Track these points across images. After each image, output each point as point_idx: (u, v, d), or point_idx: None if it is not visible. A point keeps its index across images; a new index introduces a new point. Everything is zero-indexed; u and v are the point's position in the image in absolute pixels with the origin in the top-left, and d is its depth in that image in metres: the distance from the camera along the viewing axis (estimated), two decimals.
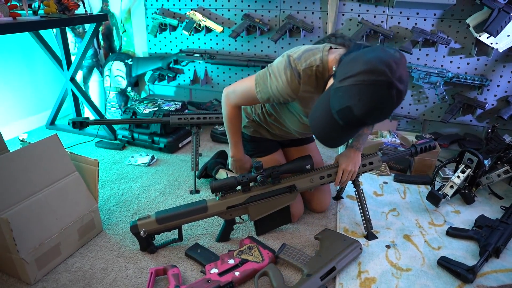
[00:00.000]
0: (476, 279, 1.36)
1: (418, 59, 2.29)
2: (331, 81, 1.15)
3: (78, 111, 2.65)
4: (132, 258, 1.46)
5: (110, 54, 2.93)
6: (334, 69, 1.15)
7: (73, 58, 2.57)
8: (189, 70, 2.82)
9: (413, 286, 1.34)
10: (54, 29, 2.60)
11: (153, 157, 2.24)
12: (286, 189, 1.53)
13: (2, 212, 1.23)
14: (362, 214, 1.61)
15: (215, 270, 1.33)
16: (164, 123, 1.98)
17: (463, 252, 1.51)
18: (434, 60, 2.26)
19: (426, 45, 2.21)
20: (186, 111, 2.50)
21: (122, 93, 2.84)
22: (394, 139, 2.30)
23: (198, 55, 2.60)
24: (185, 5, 2.65)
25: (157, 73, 2.75)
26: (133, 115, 2.34)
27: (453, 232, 1.60)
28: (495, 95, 2.23)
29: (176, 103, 2.44)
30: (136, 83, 2.99)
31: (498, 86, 2.20)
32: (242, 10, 2.53)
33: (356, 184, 1.63)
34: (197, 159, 1.92)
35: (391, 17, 2.25)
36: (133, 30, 2.88)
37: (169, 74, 2.69)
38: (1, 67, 2.46)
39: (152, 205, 1.81)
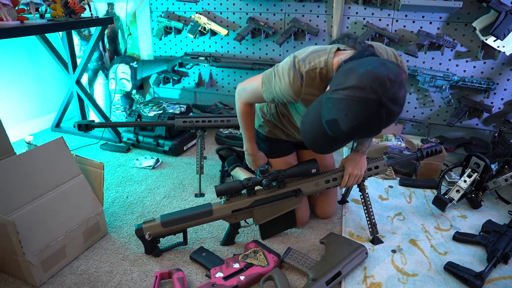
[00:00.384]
0: (484, 286, 1.35)
1: (423, 62, 2.28)
2: (328, 88, 1.13)
3: (83, 114, 2.66)
4: (137, 261, 1.45)
5: (115, 57, 2.94)
6: (333, 74, 1.14)
7: (78, 61, 2.58)
8: (194, 73, 2.82)
9: None
10: (60, 32, 2.61)
11: (157, 160, 2.24)
12: (291, 193, 1.53)
13: (9, 214, 1.23)
14: (367, 218, 1.60)
15: (220, 274, 1.33)
16: (169, 126, 1.98)
17: (470, 257, 1.49)
18: (440, 64, 2.25)
19: (431, 48, 2.20)
20: (191, 114, 2.50)
21: (127, 95, 2.85)
22: (399, 142, 2.29)
23: (203, 58, 2.60)
24: (190, 8, 2.66)
25: (162, 76, 2.75)
26: (138, 117, 2.34)
27: (460, 237, 1.59)
28: (502, 99, 2.21)
29: (181, 106, 2.44)
30: (141, 86, 3.00)
31: (505, 89, 2.19)
32: (247, 13, 2.53)
33: (362, 188, 1.62)
34: (202, 162, 1.92)
35: (397, 20, 2.25)
36: (138, 33, 2.89)
37: (174, 77, 2.69)
38: (8, 70, 2.48)
39: (157, 208, 1.81)
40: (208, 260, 1.42)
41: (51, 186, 1.40)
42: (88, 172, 1.54)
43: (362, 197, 1.61)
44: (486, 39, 2.02)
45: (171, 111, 2.36)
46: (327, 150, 1.16)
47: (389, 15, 2.25)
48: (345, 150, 2.39)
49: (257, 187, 1.50)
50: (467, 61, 2.19)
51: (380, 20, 2.27)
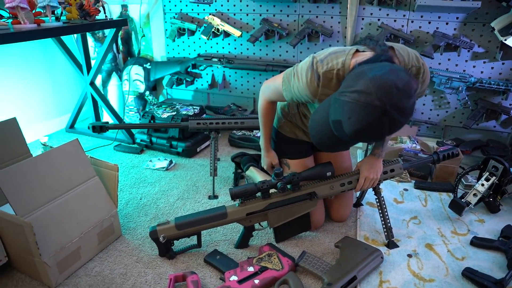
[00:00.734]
0: None
1: (439, 63, 2.24)
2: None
3: (97, 115, 2.68)
4: (151, 263, 1.46)
5: (129, 58, 2.96)
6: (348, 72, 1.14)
7: (93, 62, 2.61)
8: (207, 74, 2.83)
9: None
10: (75, 35, 2.64)
11: (171, 162, 2.25)
12: (306, 196, 1.51)
13: (25, 216, 1.24)
14: (383, 222, 1.58)
15: (234, 278, 1.32)
16: (183, 128, 1.98)
17: (489, 263, 1.46)
18: (456, 65, 2.21)
19: (448, 49, 2.16)
20: (204, 115, 2.50)
21: (140, 97, 2.87)
22: (414, 145, 2.26)
23: (216, 60, 2.60)
24: (204, 9, 2.66)
25: (175, 77, 2.76)
26: (151, 119, 2.35)
27: (478, 242, 1.55)
28: None
29: (194, 107, 2.45)
30: (154, 87, 3.01)
31: None
32: (260, 15, 2.52)
33: (377, 192, 1.60)
34: (216, 164, 1.91)
35: (412, 21, 2.22)
36: (151, 34, 2.90)
37: (187, 79, 2.70)
38: (25, 72, 2.51)
39: (170, 210, 1.81)
40: (222, 263, 1.42)
41: (66, 188, 1.41)
42: (103, 174, 1.55)
43: (377, 200, 1.59)
44: (505, 40, 1.98)
45: (184, 112, 2.36)
46: (331, 149, 1.24)
47: (404, 16, 2.22)
48: (359, 153, 2.37)
49: (271, 190, 1.49)
50: (484, 62, 2.16)
51: (395, 21, 2.24)
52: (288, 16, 2.46)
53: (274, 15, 2.49)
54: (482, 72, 2.18)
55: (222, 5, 2.61)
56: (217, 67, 2.68)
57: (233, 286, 1.28)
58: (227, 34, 2.58)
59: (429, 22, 2.19)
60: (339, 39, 2.40)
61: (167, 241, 1.44)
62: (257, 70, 2.53)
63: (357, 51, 1.23)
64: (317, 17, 2.40)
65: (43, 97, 2.68)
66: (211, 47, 2.74)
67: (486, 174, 1.77)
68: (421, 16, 2.19)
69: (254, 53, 2.64)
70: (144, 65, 2.82)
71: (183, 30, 2.71)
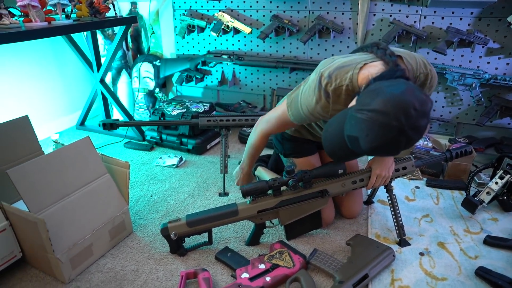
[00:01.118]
0: None
1: (452, 60, 2.21)
2: (353, 102, 1.13)
3: (107, 112, 2.69)
4: (162, 260, 1.46)
5: (138, 55, 2.97)
6: (361, 88, 1.13)
7: (102, 60, 2.62)
8: (216, 71, 2.82)
9: None
10: (85, 32, 2.65)
11: (181, 159, 2.25)
12: (317, 193, 1.50)
13: (39, 213, 1.25)
14: (394, 220, 1.56)
15: (245, 275, 1.32)
16: (193, 125, 1.98)
17: (503, 263, 1.43)
18: (470, 61, 2.18)
19: (461, 45, 2.13)
20: (214, 112, 2.50)
21: (150, 94, 2.87)
22: (426, 142, 2.23)
23: (226, 57, 2.59)
24: (213, 6, 2.66)
25: (185, 74, 2.76)
26: (161, 116, 2.36)
27: (492, 241, 1.53)
28: None
29: (204, 104, 2.44)
30: (163, 84, 3.02)
31: None
32: (270, 11, 2.51)
33: (389, 189, 1.58)
34: (226, 161, 1.91)
35: (425, 17, 2.19)
36: (161, 31, 2.91)
37: (196, 75, 2.70)
38: (35, 70, 2.53)
39: (181, 207, 1.81)
40: (233, 260, 1.41)
41: (78, 185, 1.41)
42: (114, 171, 1.55)
43: (389, 198, 1.58)
44: None
45: (194, 109, 2.36)
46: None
47: (416, 11, 2.19)
48: None
49: (282, 188, 1.49)
50: (499, 58, 2.12)
51: (407, 17, 2.21)
52: (298, 12, 2.45)
53: (284, 12, 2.48)
54: (496, 68, 2.14)
55: (231, 2, 2.60)
56: (227, 64, 2.67)
57: (244, 283, 1.28)
58: (237, 31, 2.57)
59: (442, 18, 2.15)
60: (350, 35, 2.38)
61: (178, 238, 1.44)
62: (267, 67, 2.52)
63: (364, 64, 1.21)
64: (328, 13, 2.38)
65: (54, 94, 2.70)
66: (221, 44, 2.73)
67: (500, 172, 1.74)
68: (434, 12, 2.16)
69: (264, 50, 2.62)
70: (154, 62, 2.83)
71: (192, 27, 2.70)
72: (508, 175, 1.71)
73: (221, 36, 2.62)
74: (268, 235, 1.60)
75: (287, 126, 1.47)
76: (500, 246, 1.52)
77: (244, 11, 2.58)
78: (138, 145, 2.45)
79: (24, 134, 1.66)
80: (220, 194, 1.91)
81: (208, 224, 1.45)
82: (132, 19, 2.39)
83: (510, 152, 1.79)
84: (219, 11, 2.59)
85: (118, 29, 2.43)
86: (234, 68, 2.76)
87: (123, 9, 2.92)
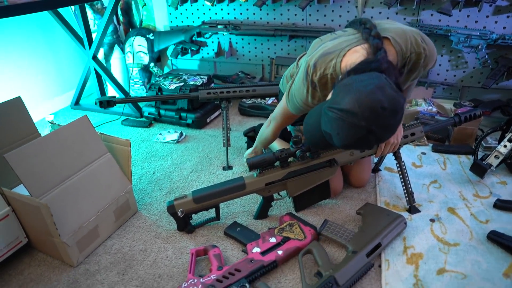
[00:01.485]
0: None
1: (457, 21, 2.13)
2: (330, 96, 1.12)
3: (102, 90, 2.61)
4: (170, 238, 1.43)
5: (130, 29, 2.86)
6: (339, 78, 1.11)
7: (93, 36, 2.51)
8: (212, 42, 2.72)
9: (463, 262, 1.28)
10: (73, 7, 2.53)
11: (181, 134, 2.20)
12: (325, 163, 1.47)
13: (41, 197, 1.21)
14: (404, 187, 1.54)
15: (257, 249, 1.29)
16: (192, 99, 1.92)
17: None
18: (476, 21, 2.10)
19: (468, 5, 2.03)
20: (212, 85, 2.43)
21: (145, 69, 2.78)
22: (430, 107, 2.19)
23: (221, 27, 2.49)
24: None
25: (180, 47, 2.66)
26: (158, 91, 2.28)
27: (502, 205, 1.51)
28: None
29: (202, 77, 2.37)
30: (158, 58, 2.92)
31: None
32: None
33: (398, 156, 1.55)
34: (228, 134, 1.86)
35: None
36: (152, 3, 2.78)
37: (192, 48, 2.60)
38: (24, 50, 2.42)
39: (185, 183, 1.77)
40: (243, 235, 1.39)
41: (79, 166, 1.36)
42: (115, 149, 1.50)
43: (398, 165, 1.55)
44: None
45: (192, 83, 2.28)
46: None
47: None
48: None
49: (290, 159, 1.45)
50: (508, 17, 2.03)
51: None
52: None
53: None
54: (504, 27, 2.06)
55: None
56: (223, 34, 2.57)
57: (256, 258, 1.26)
58: None
59: None
60: None
61: (185, 215, 1.41)
62: (265, 35, 2.43)
63: (348, 50, 1.19)
64: None
65: (45, 74, 2.61)
66: (216, 13, 2.62)
67: (509, 135, 1.70)
68: None
69: (261, 18, 2.52)
70: (147, 36, 2.72)
71: None
72: None
73: (215, 5, 2.51)
74: (276, 208, 1.57)
75: (293, 118, 1.48)
76: (510, 209, 1.50)
77: None
78: (136, 122, 2.39)
79: (18, 116, 1.59)
80: (224, 168, 1.87)
81: (215, 200, 1.41)
82: None
83: None
84: None
85: (108, 2, 2.32)
86: (230, 38, 2.67)
87: None
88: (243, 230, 1.42)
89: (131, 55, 2.75)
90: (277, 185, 1.45)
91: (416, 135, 1.57)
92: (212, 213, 1.49)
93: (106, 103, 1.87)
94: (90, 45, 2.46)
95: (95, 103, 1.89)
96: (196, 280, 1.18)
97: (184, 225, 1.44)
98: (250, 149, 1.80)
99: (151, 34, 2.73)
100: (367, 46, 1.16)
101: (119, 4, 2.77)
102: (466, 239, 1.38)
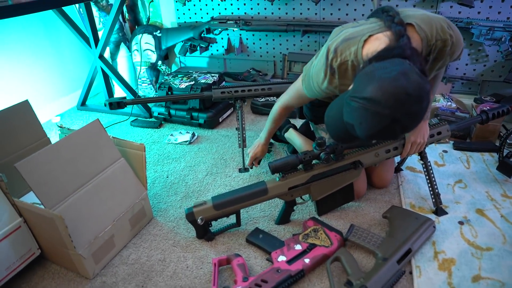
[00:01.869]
0: None
1: (478, 13, 2.04)
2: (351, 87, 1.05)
3: (109, 90, 2.53)
4: (189, 247, 1.37)
5: (137, 27, 2.78)
6: (360, 66, 1.06)
7: (99, 34, 2.43)
8: (222, 38, 2.64)
9: (498, 268, 1.21)
10: (77, 4, 2.45)
11: (193, 134, 2.13)
12: (350, 165, 1.40)
13: (54, 207, 1.14)
14: (430, 188, 1.48)
15: (282, 258, 1.23)
16: (205, 98, 1.84)
17: None
18: (499, 12, 2.00)
19: None
20: (224, 83, 2.35)
21: (153, 67, 2.71)
22: (449, 103, 2.11)
23: (232, 22, 2.40)
24: None
25: (188, 44, 2.57)
26: (168, 90, 2.21)
27: None
28: None
29: (213, 75, 2.29)
30: (165, 56, 2.84)
31: None
32: None
33: (424, 156, 1.49)
34: (244, 135, 1.79)
35: None
36: None
37: (201, 44, 2.52)
38: (28, 50, 2.35)
39: (200, 187, 1.71)
40: (266, 242, 1.32)
41: (93, 173, 1.30)
42: (128, 154, 1.44)
43: (424, 165, 1.49)
44: None
45: (203, 81, 2.21)
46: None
47: None
48: None
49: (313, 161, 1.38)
50: None
51: None
52: None
53: None
54: None
55: None
56: (233, 30, 2.49)
57: (283, 267, 1.20)
58: None
59: None
60: None
61: (205, 222, 1.35)
62: (277, 31, 2.34)
63: (370, 36, 1.12)
64: None
65: (51, 75, 2.53)
66: (225, 8, 2.53)
67: None
68: None
69: (272, 13, 2.43)
70: (154, 33, 2.64)
71: None
72: None
73: (225, 0, 2.42)
74: (297, 212, 1.51)
75: (304, 100, 1.41)
76: None
77: None
78: (146, 123, 2.32)
79: (26, 121, 1.53)
80: (240, 170, 1.80)
81: (237, 206, 1.35)
82: None
83: None
84: None
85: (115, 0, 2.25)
86: (240, 34, 2.58)
87: None
88: (266, 237, 1.35)
89: (138, 53, 2.68)
90: (300, 189, 1.39)
91: (443, 134, 1.52)
92: (231, 218, 1.42)
93: (116, 105, 1.80)
94: (96, 44, 2.39)
95: (105, 105, 1.82)
96: None
97: (204, 232, 1.37)
98: (255, 143, 1.74)
99: (158, 31, 2.65)
100: (389, 34, 1.10)
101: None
102: (499, 243, 1.31)
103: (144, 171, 1.43)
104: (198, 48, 2.57)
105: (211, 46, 2.67)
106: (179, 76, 2.32)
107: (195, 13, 2.64)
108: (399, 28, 1.08)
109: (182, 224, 1.48)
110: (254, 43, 2.58)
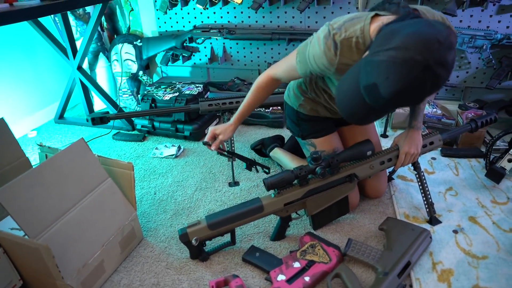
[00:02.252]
0: None
1: (460, 21, 2.08)
2: (367, 53, 1.00)
3: (88, 102, 2.43)
4: (183, 268, 1.31)
5: (116, 36, 2.69)
6: (372, 40, 1.01)
7: (77, 44, 2.34)
8: (205, 47, 2.59)
9: (495, 277, 1.21)
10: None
11: (179, 147, 2.06)
12: (345, 178, 1.38)
13: (39, 236, 1.07)
14: (424, 198, 1.48)
15: (282, 277, 1.19)
16: (192, 111, 1.79)
17: None
18: (479, 21, 2.05)
19: (472, 4, 1.99)
20: (208, 93, 2.30)
21: (134, 78, 2.63)
22: (434, 109, 2.14)
23: (215, 31, 2.36)
24: None
25: (170, 53, 2.51)
26: (152, 102, 2.14)
27: None
28: None
29: (197, 85, 2.24)
30: (147, 66, 2.77)
31: None
32: None
33: (417, 167, 1.49)
34: (233, 147, 1.74)
35: None
36: (139, 7, 2.62)
37: (183, 54, 2.46)
38: (0, 61, 2.23)
39: (190, 203, 1.65)
40: (263, 260, 1.28)
41: (79, 196, 1.22)
42: (116, 174, 1.36)
43: (417, 176, 1.48)
44: None
45: (187, 92, 2.15)
46: (363, 120, 1.07)
47: None
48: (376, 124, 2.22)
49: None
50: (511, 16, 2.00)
51: None
52: None
53: None
54: (508, 27, 2.02)
55: None
56: (216, 39, 2.45)
57: (283, 287, 1.16)
58: (225, 2, 2.33)
59: None
60: (351, 0, 2.19)
61: (200, 242, 1.29)
62: (261, 39, 2.32)
63: (376, 15, 1.10)
64: None
65: (26, 88, 2.41)
66: (208, 17, 2.49)
67: None
68: None
69: (256, 21, 2.40)
70: (135, 43, 2.57)
71: (175, 0, 2.43)
72: None
73: (208, 8, 2.38)
74: (292, 227, 1.47)
75: (294, 75, 1.30)
76: None
77: None
78: (129, 136, 2.24)
79: (3, 140, 1.44)
80: (230, 184, 1.75)
81: (232, 224, 1.30)
82: None
83: None
84: None
85: (94, 8, 2.16)
86: (224, 43, 2.54)
87: None
88: (263, 255, 1.31)
89: (118, 63, 2.59)
90: (295, 204, 1.36)
91: (435, 143, 1.52)
92: (225, 237, 1.37)
93: (99, 120, 1.72)
94: (74, 55, 2.29)
95: (87, 120, 1.74)
96: None
97: (198, 253, 1.32)
98: (215, 126, 1.48)
99: (139, 40, 2.58)
100: (397, 15, 1.07)
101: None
102: (493, 250, 1.32)
103: (133, 191, 1.36)
104: (181, 57, 2.51)
105: (194, 55, 2.62)
106: (162, 87, 2.26)
107: (177, 22, 2.58)
108: (407, 9, 1.07)
109: (174, 244, 1.42)
110: (238, 52, 2.55)
